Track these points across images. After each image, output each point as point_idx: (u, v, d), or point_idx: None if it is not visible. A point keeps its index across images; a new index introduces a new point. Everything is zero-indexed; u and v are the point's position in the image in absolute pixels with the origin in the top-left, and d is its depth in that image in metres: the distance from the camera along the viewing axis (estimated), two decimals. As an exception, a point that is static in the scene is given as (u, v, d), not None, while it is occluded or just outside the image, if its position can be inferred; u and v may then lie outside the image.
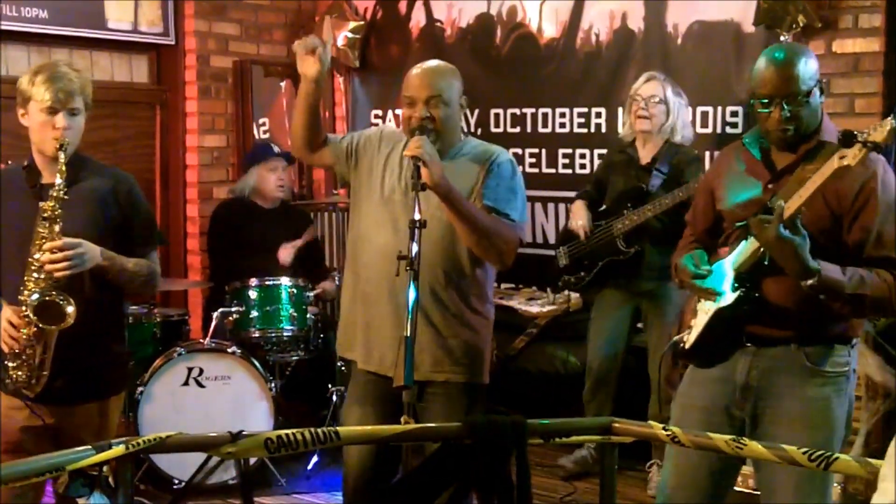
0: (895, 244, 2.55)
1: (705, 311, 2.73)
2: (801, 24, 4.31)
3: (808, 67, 2.58)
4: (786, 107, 2.55)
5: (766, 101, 2.57)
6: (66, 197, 2.82)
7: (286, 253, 4.95)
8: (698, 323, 2.76)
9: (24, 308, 2.81)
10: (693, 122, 4.81)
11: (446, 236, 2.97)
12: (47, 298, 2.79)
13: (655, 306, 4.43)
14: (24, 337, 2.82)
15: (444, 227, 2.96)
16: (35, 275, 2.81)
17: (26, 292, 2.82)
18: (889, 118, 2.33)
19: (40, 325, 2.80)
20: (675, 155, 4.36)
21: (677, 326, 4.47)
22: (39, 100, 2.85)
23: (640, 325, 4.60)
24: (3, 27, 4.71)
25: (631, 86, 4.54)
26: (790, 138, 2.60)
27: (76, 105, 2.90)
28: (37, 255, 2.81)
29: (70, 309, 2.79)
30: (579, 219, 4.50)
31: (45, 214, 2.81)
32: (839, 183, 2.48)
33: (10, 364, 2.86)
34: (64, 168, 2.82)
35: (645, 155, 4.43)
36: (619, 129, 4.72)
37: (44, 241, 2.80)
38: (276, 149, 5.19)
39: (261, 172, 5.06)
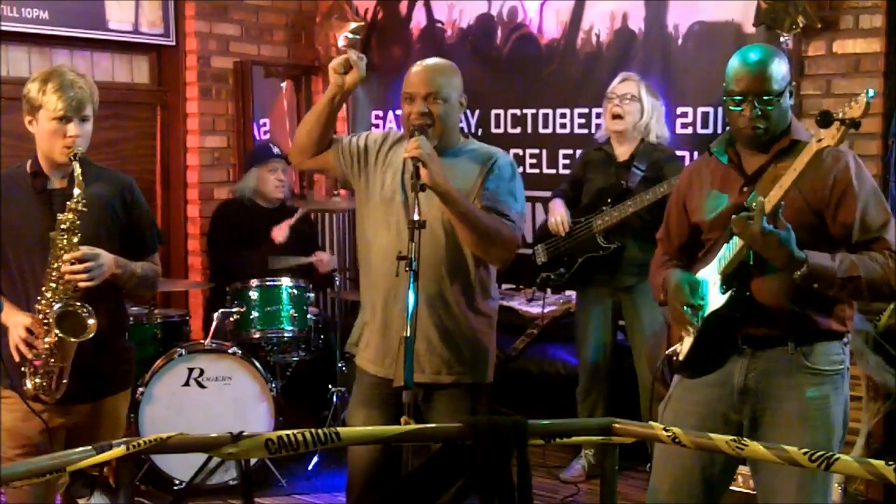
0: (881, 225, 2.57)
1: (693, 329, 2.72)
2: (802, 25, 4.31)
3: (780, 68, 2.60)
4: (757, 105, 2.56)
5: (738, 98, 2.59)
6: (84, 209, 2.84)
7: (280, 232, 4.96)
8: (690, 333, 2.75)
9: (43, 317, 2.83)
10: (693, 123, 4.82)
11: (449, 237, 2.98)
12: (69, 309, 2.81)
13: (635, 302, 4.45)
14: (45, 346, 2.83)
15: (447, 227, 2.96)
16: (54, 284, 2.83)
17: (44, 302, 2.84)
18: (862, 94, 2.33)
19: (61, 336, 2.81)
20: (654, 153, 4.40)
21: (666, 338, 4.50)
22: (52, 108, 2.85)
23: (622, 322, 4.62)
24: (4, 28, 4.70)
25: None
26: (760, 137, 2.61)
27: (87, 112, 2.91)
28: (56, 265, 2.82)
29: (91, 321, 2.82)
30: (558, 215, 4.52)
31: (65, 226, 2.82)
32: (813, 177, 2.50)
33: (29, 371, 2.87)
34: (81, 178, 2.83)
35: (622, 153, 4.46)
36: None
37: (62, 251, 2.81)
38: (275, 150, 5.19)
39: (260, 174, 5.07)
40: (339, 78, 3.00)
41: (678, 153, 4.81)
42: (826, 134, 2.35)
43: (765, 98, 2.56)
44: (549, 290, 5.19)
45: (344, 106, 6.00)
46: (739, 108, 2.59)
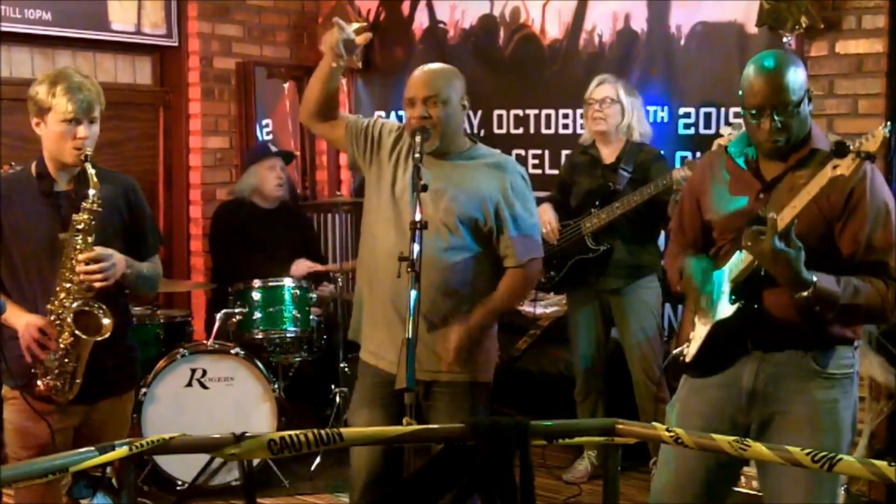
0: (885, 248, 2.53)
1: (704, 323, 2.70)
2: (804, 25, 4.31)
3: (797, 76, 2.54)
4: (776, 117, 2.51)
5: (755, 111, 2.54)
6: (100, 209, 2.85)
7: (300, 269, 4.96)
8: (698, 335, 2.72)
9: (56, 318, 2.83)
10: (696, 124, 4.82)
11: (451, 238, 2.98)
12: (86, 308, 2.83)
13: (624, 305, 4.45)
14: (60, 346, 2.84)
15: (449, 229, 2.97)
16: (68, 285, 2.84)
17: (57, 302, 2.85)
18: (881, 127, 2.32)
19: (77, 334, 2.82)
20: (639, 153, 4.40)
21: (661, 342, 4.51)
22: (62, 111, 2.85)
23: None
24: (6, 29, 4.71)
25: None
26: (781, 149, 2.57)
27: (96, 114, 2.92)
28: (70, 265, 2.83)
29: (107, 321, 2.84)
30: (547, 221, 4.52)
31: (80, 227, 2.83)
32: (830, 190, 2.46)
33: (40, 372, 2.88)
34: (95, 179, 2.84)
35: (608, 155, 4.47)
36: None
37: (78, 251, 2.83)
38: (273, 147, 5.19)
39: (259, 171, 5.07)
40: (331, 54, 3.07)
41: (680, 154, 4.83)
42: (842, 163, 2.31)
43: (784, 110, 2.51)
44: (552, 292, 5.19)
45: (346, 106, 6.08)
46: (758, 121, 2.54)
